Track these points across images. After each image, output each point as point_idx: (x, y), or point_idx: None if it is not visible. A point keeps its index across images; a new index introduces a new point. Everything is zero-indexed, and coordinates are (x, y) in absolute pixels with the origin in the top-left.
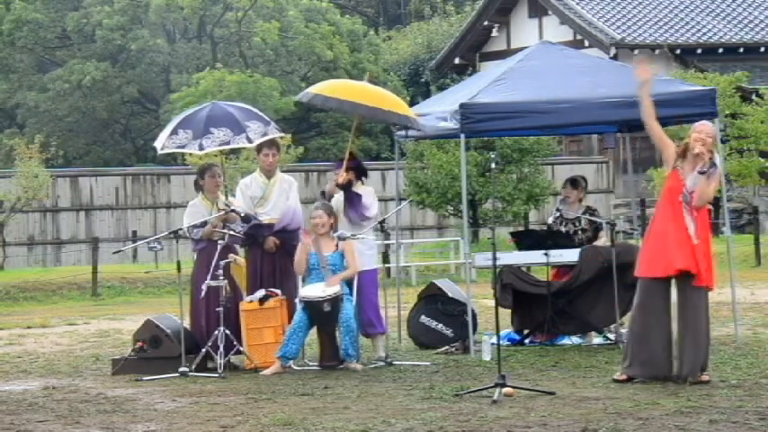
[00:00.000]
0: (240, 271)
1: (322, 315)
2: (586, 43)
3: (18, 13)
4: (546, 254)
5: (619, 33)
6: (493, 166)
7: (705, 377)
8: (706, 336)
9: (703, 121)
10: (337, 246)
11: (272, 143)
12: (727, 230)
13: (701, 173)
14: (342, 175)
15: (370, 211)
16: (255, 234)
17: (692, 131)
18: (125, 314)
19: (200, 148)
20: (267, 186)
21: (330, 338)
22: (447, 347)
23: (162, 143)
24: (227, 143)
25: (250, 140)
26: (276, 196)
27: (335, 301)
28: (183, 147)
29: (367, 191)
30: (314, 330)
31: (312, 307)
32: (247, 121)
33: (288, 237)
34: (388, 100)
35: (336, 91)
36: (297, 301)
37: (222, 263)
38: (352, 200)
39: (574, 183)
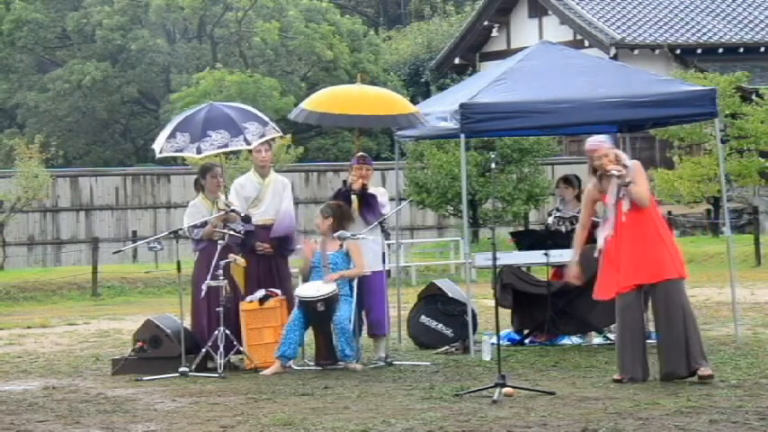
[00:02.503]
0: (240, 271)
1: (316, 314)
2: (586, 43)
3: (18, 13)
4: (546, 254)
5: (619, 33)
6: (493, 166)
7: (707, 371)
8: (681, 327)
9: (591, 139)
10: (341, 246)
11: None
12: (727, 230)
13: (625, 185)
14: (358, 182)
15: (386, 209)
16: (244, 241)
17: (591, 152)
18: (125, 314)
19: (198, 151)
20: (261, 187)
21: (325, 337)
22: (447, 347)
23: (160, 146)
24: (225, 146)
25: (248, 142)
26: (270, 197)
27: (330, 300)
28: (180, 150)
29: (380, 191)
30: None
31: (306, 306)
32: (245, 122)
33: (282, 239)
34: (385, 102)
35: (332, 105)
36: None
37: (222, 263)
38: (369, 202)
39: (567, 181)
